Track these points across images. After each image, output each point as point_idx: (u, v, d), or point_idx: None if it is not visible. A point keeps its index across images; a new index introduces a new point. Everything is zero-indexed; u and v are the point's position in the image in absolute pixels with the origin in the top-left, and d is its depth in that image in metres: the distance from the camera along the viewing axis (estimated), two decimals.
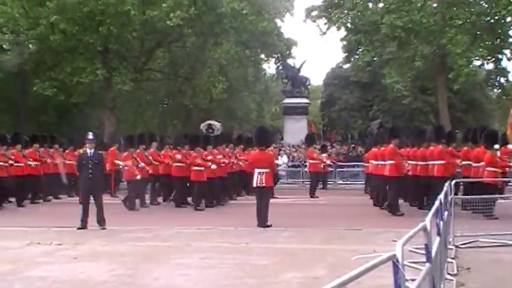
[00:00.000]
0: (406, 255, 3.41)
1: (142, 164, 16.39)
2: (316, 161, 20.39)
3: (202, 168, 15.79)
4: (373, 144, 17.54)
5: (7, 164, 16.38)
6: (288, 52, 39.89)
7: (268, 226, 11.81)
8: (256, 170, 12.25)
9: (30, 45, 28.46)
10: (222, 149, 17.66)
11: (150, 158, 17.17)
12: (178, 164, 16.64)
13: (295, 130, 33.57)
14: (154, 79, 34.16)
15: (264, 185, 12.12)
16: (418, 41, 28.17)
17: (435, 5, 27.71)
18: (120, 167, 20.12)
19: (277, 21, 37.13)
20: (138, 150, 16.67)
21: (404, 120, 40.12)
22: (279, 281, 7.08)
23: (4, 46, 28.28)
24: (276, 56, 40.38)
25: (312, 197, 19.23)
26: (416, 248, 6.43)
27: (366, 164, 18.77)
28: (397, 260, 2.89)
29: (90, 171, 11.96)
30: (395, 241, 3.32)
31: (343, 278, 2.39)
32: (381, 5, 29.71)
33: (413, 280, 3.54)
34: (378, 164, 15.55)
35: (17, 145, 17.47)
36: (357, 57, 42.29)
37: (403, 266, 2.96)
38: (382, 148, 15.36)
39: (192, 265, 8.02)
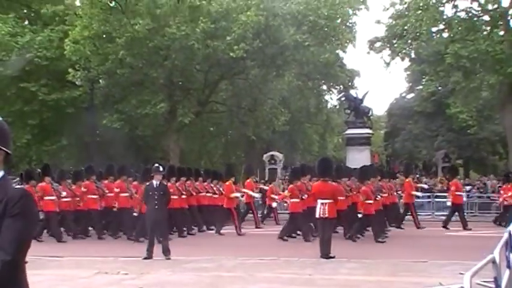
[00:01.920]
0: None
1: (305, 196, 15.88)
2: (461, 193, 19.71)
3: (371, 202, 15.33)
4: None
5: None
6: (350, 83, 39.77)
7: (331, 257, 11.72)
8: (319, 201, 12.22)
9: (100, 81, 29.59)
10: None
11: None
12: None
13: (358, 161, 33.22)
14: (216, 111, 34.72)
15: (326, 215, 12.07)
16: (484, 70, 27.58)
17: (502, 32, 27.12)
18: (256, 198, 20.27)
19: (339, 52, 37.24)
20: (299, 183, 16.19)
21: (471, 151, 39.15)
22: None
23: (76, 82, 29.51)
24: (338, 87, 40.34)
25: (444, 227, 18.68)
26: (485, 282, 6.25)
27: (506, 195, 19.04)
28: None
29: (156, 202, 12.21)
30: (462, 274, 3.27)
31: None
32: (445, 34, 29.32)
33: None
34: None
35: (172, 178, 17.14)
36: (421, 87, 41.86)
37: None
38: None
39: None
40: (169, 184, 16.53)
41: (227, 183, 18.04)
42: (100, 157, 28.33)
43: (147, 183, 13.78)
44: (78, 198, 16.97)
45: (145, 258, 11.74)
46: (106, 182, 17.20)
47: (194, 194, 18.18)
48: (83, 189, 16.89)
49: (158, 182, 12.52)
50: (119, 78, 28.04)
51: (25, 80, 28.50)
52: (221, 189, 19.24)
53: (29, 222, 2.68)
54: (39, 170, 18.25)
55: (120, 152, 32.72)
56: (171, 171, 17.57)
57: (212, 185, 19.58)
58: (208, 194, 19.14)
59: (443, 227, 18.68)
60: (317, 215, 12.26)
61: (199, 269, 10.50)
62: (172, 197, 16.01)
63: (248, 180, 20.09)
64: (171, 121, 29.50)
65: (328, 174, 12.87)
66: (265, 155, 32.69)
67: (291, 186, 16.54)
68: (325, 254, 11.79)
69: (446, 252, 12.68)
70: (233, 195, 17.84)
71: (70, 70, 27.31)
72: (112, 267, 10.59)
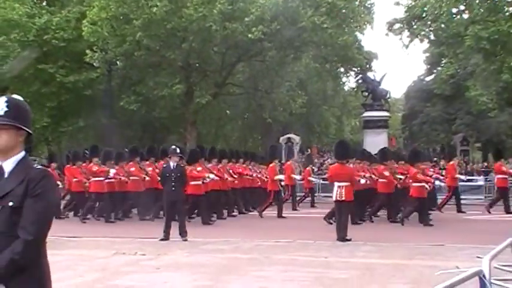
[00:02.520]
0: (491, 272, 3.31)
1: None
2: (506, 176, 18.79)
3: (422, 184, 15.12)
4: None
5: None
6: (367, 65, 39.46)
7: (347, 240, 11.72)
8: (336, 184, 12.20)
9: (118, 62, 29.63)
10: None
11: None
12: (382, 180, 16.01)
13: (375, 144, 33.04)
14: (233, 93, 34.70)
15: (343, 198, 12.05)
16: (505, 52, 27.18)
17: None
18: (298, 181, 20.53)
19: (357, 34, 36.92)
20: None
21: (489, 134, 38.78)
22: None
23: (94, 64, 29.60)
24: (355, 69, 40.07)
25: (508, 212, 17.99)
26: (503, 265, 6.21)
27: None
28: (484, 276, 2.83)
29: (173, 183, 12.28)
30: (480, 257, 3.24)
31: None
32: (465, 15, 28.90)
33: None
34: None
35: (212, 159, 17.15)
36: (440, 69, 41.47)
37: (490, 282, 2.89)
38: None
39: (272, 278, 8.06)
40: (210, 165, 16.60)
41: (271, 165, 17.91)
42: (117, 139, 28.48)
43: (164, 165, 13.88)
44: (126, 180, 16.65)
45: (162, 240, 11.83)
46: (147, 163, 17.09)
47: (236, 176, 18.07)
48: (131, 169, 16.65)
49: (175, 164, 12.58)
50: (136, 60, 28.07)
51: (43, 62, 28.64)
52: (258, 171, 19.57)
53: (50, 203, 2.72)
54: (86, 151, 18.32)
55: (137, 134, 32.88)
56: (213, 153, 17.63)
57: (250, 167, 19.67)
58: (248, 176, 19.11)
59: (508, 212, 17.92)
60: (334, 198, 12.26)
61: (216, 251, 10.55)
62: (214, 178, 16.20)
63: (288, 163, 20.30)
64: (188, 103, 29.51)
65: (345, 156, 12.84)
66: (281, 138, 32.65)
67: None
68: (342, 237, 11.79)
69: (463, 236, 12.61)
70: (277, 177, 17.72)
71: (88, 51, 27.35)
72: (129, 247, 10.68)
